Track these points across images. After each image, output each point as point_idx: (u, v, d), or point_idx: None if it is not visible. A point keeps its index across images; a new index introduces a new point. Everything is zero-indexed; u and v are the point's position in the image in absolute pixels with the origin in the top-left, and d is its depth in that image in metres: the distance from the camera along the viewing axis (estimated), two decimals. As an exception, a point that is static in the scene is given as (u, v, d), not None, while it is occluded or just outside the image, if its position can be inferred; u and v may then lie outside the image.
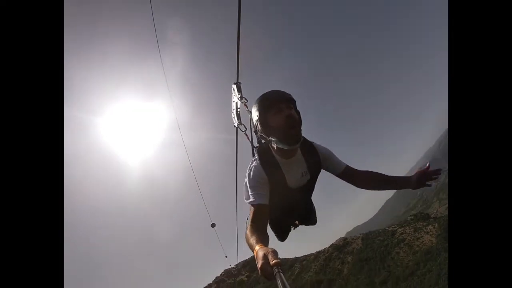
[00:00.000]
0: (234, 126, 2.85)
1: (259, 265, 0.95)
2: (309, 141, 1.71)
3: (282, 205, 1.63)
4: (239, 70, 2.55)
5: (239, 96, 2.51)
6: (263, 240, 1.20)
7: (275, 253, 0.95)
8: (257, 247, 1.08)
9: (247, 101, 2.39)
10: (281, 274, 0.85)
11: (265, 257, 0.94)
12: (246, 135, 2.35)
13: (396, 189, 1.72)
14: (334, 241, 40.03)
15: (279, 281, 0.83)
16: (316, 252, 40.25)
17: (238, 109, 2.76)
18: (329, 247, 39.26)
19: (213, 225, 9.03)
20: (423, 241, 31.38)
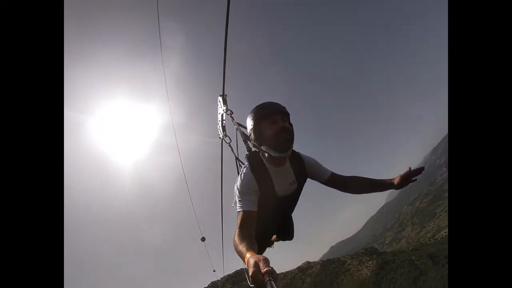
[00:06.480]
0: (219, 137, 2.91)
1: (250, 273, 0.95)
2: (296, 152, 1.79)
3: (268, 213, 1.68)
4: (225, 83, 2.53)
5: (224, 108, 2.55)
6: (253, 247, 1.22)
7: (266, 260, 0.95)
8: (248, 255, 1.09)
9: (232, 112, 2.45)
10: (272, 282, 0.85)
11: (256, 264, 0.95)
12: (231, 147, 2.49)
13: (380, 191, 1.81)
14: (301, 263, 50.49)
15: None
16: (286, 271, 50.39)
17: (224, 121, 2.80)
18: (296, 268, 49.51)
19: (203, 239, 8.95)
20: (361, 273, 41.69)
